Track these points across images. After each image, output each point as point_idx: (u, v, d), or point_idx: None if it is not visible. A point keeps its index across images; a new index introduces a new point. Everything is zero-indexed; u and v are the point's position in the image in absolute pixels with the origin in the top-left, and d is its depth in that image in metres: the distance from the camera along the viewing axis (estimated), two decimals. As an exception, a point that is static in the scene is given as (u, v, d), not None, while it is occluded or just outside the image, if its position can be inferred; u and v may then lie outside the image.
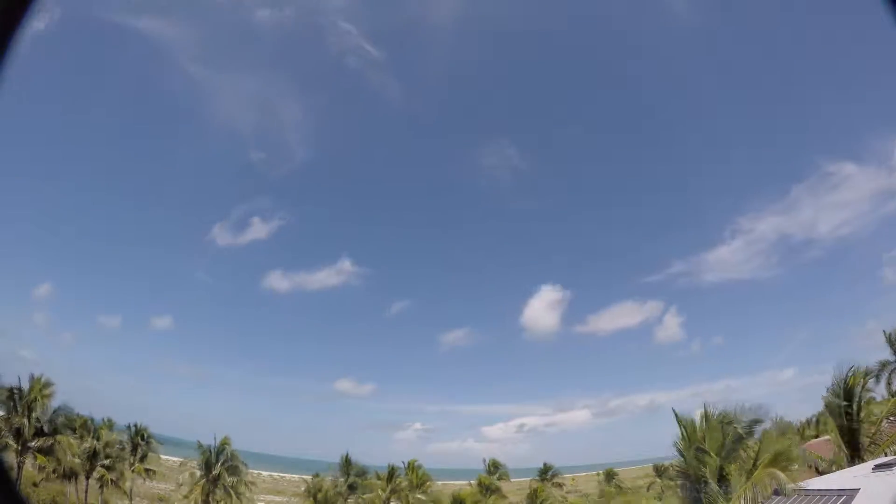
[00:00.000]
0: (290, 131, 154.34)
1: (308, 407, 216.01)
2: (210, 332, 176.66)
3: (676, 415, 22.20)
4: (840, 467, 27.62)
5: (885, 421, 30.99)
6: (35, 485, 47.58)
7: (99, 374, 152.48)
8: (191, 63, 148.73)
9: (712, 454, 20.55)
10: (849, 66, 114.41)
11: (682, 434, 21.86)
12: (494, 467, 63.41)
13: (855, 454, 28.35)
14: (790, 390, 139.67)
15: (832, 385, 30.50)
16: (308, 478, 62.69)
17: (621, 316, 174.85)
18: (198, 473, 43.99)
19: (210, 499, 43.05)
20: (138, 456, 51.65)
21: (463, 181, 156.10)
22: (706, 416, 21.74)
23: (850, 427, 28.93)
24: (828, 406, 31.10)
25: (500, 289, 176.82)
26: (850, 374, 29.92)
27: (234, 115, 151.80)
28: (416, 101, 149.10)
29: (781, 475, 18.18)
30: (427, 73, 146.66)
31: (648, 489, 73.69)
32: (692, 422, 21.84)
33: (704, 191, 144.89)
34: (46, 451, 42.76)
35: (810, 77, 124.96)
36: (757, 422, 21.98)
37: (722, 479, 20.43)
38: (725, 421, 21.33)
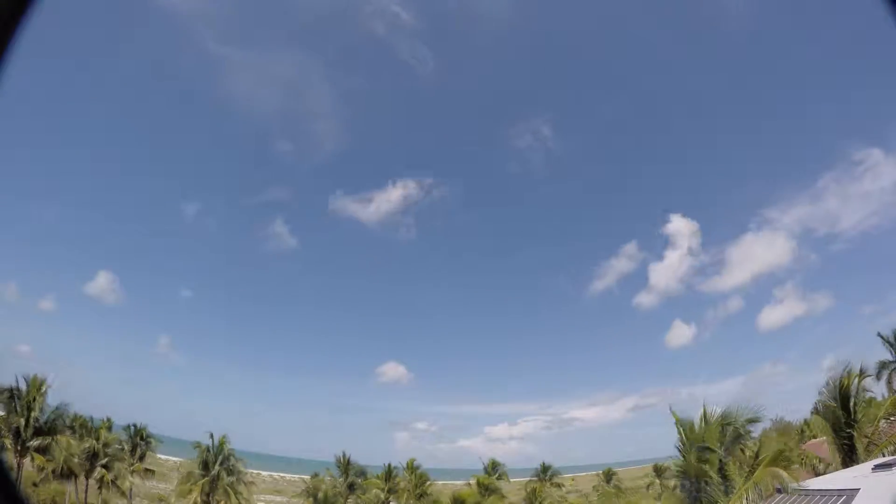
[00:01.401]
0: (316, 110, 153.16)
1: (322, 406, 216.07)
2: (215, 332, 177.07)
3: (675, 415, 22.17)
4: (836, 468, 27.58)
5: (882, 421, 30.94)
6: (35, 485, 47.51)
7: (101, 370, 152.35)
8: (212, 40, 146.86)
9: (711, 454, 20.56)
10: (878, 51, 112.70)
11: (681, 434, 21.82)
12: (493, 468, 63.30)
13: (852, 455, 28.25)
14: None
15: (827, 385, 30.40)
16: (307, 478, 62.68)
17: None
18: (197, 473, 43.95)
19: (209, 499, 43.00)
20: (137, 456, 51.62)
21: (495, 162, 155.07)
22: (705, 416, 21.71)
23: (846, 428, 28.83)
24: (822, 406, 31.00)
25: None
26: (844, 374, 29.84)
27: (256, 93, 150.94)
28: (449, 74, 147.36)
29: (784, 474, 18.21)
30: (460, 42, 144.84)
31: (648, 489, 73.69)
32: (691, 422, 21.82)
33: (729, 181, 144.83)
34: (45, 451, 42.70)
35: (840, 63, 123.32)
36: (754, 420, 21.96)
37: (723, 477, 20.46)
38: (725, 421, 21.32)
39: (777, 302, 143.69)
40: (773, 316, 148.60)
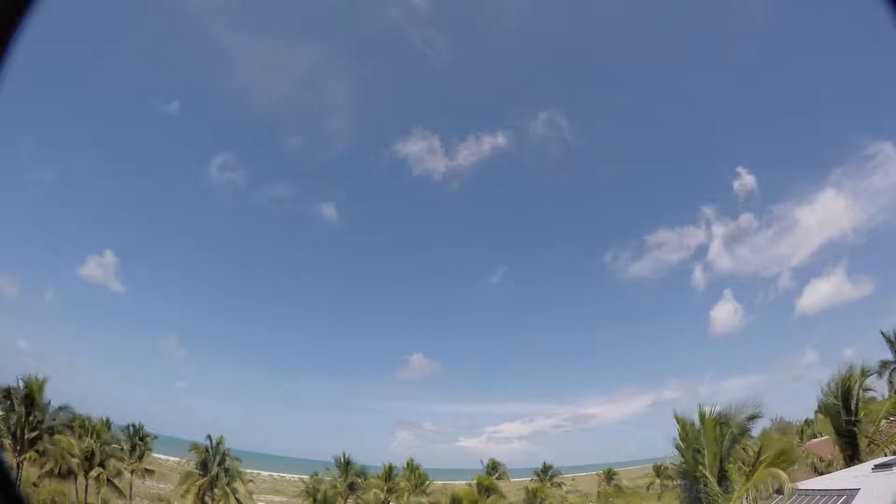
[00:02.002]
0: (326, 102, 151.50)
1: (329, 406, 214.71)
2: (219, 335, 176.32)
3: (676, 416, 22.15)
4: (838, 468, 27.58)
5: (883, 420, 30.95)
6: (35, 485, 47.51)
7: (100, 367, 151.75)
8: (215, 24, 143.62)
9: (710, 454, 20.52)
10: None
11: (680, 434, 21.80)
12: (493, 467, 63.36)
13: (853, 454, 28.27)
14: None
15: (828, 385, 30.39)
16: (307, 478, 62.66)
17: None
18: (195, 474, 44.00)
19: (208, 499, 43.02)
20: (136, 455, 51.64)
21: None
22: (702, 417, 21.67)
23: (847, 427, 28.85)
24: (824, 406, 30.97)
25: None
26: (846, 374, 29.84)
27: (264, 84, 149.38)
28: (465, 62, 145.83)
29: (783, 475, 18.13)
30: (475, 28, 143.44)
31: (648, 489, 73.73)
32: (691, 423, 21.78)
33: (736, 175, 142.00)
34: (44, 451, 42.71)
35: (850, 56, 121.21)
36: (753, 417, 21.91)
37: (723, 478, 20.42)
38: (722, 421, 21.28)
39: (818, 283, 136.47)
40: (810, 300, 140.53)
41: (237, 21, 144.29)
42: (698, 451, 20.77)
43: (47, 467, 44.17)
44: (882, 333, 40.78)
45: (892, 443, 28.62)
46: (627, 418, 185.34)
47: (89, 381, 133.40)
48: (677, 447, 21.95)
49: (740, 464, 21.27)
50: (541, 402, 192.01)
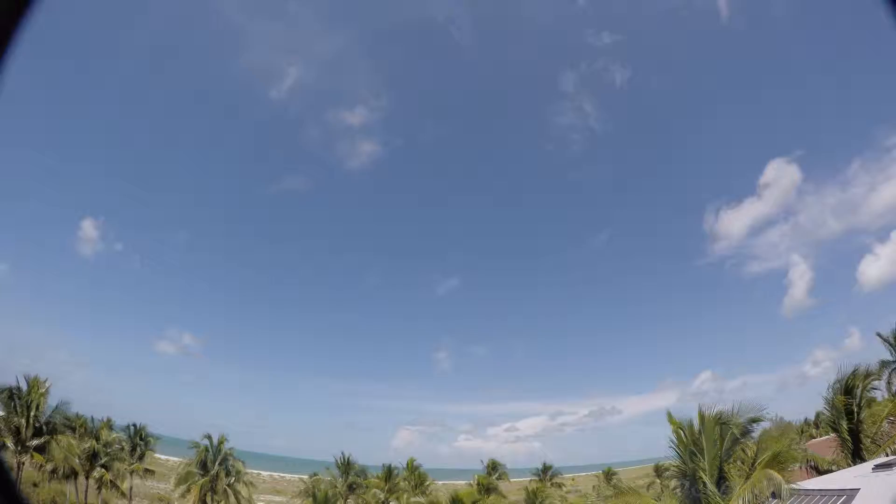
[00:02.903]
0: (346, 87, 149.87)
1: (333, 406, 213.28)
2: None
3: (671, 417, 22.09)
4: (840, 467, 27.61)
5: (885, 421, 30.98)
6: (35, 485, 47.51)
7: (103, 368, 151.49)
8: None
9: (709, 455, 20.48)
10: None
11: (678, 436, 21.72)
12: (493, 467, 63.29)
13: (855, 454, 28.35)
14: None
15: (832, 385, 30.48)
16: (307, 478, 62.58)
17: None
18: (196, 473, 43.94)
19: (208, 499, 42.98)
20: (137, 455, 51.59)
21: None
22: (702, 418, 21.60)
23: (850, 427, 28.96)
24: (828, 406, 31.08)
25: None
26: (850, 375, 29.94)
27: (278, 67, 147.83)
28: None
29: (777, 476, 18.11)
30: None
31: (648, 489, 73.51)
32: (689, 423, 21.70)
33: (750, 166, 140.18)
34: (45, 451, 42.68)
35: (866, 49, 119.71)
36: (755, 420, 21.87)
37: (722, 479, 20.39)
38: (722, 421, 21.22)
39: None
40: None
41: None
42: (696, 453, 20.72)
43: (49, 467, 44.15)
44: (879, 335, 40.67)
45: (894, 443, 28.66)
46: (648, 415, 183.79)
47: (90, 380, 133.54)
48: (674, 448, 21.89)
49: (739, 464, 21.27)
50: (561, 400, 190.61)
